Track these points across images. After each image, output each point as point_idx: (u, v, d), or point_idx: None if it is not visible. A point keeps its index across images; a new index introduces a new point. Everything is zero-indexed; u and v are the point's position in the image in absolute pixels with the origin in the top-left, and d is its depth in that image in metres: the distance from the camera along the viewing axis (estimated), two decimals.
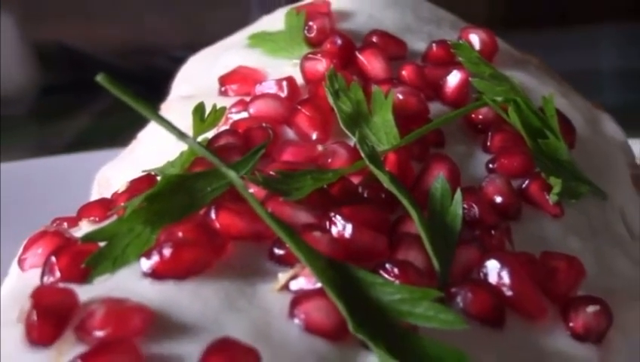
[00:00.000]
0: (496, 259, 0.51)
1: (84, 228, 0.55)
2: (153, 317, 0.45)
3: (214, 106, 0.61)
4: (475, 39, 0.70)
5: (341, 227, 0.50)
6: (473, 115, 0.64)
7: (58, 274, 0.49)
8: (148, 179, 0.57)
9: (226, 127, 0.62)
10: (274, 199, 0.51)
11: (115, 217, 0.52)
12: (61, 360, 0.43)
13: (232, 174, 0.50)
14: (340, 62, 0.65)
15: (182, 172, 0.56)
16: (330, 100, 0.61)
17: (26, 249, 0.54)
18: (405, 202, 0.52)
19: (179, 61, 0.81)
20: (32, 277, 0.51)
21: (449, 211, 0.53)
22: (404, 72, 0.66)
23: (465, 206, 0.54)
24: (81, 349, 0.43)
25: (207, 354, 0.42)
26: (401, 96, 0.62)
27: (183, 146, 0.57)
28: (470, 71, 0.65)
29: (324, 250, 0.48)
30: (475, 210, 0.55)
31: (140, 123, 0.73)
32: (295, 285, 0.48)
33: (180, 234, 0.48)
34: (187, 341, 0.44)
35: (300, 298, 0.46)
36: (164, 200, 0.51)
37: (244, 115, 0.64)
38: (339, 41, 0.67)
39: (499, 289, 0.50)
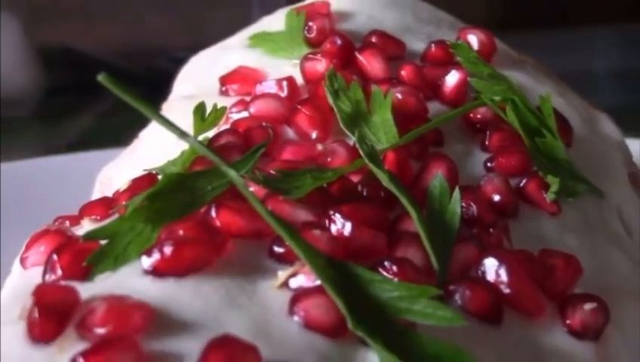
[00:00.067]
0: (495, 256, 0.51)
1: (86, 226, 0.55)
2: (154, 314, 0.45)
3: (215, 106, 0.61)
4: (473, 39, 0.70)
5: (340, 225, 0.50)
6: (471, 115, 0.64)
7: (60, 271, 0.49)
8: (149, 177, 0.57)
9: (227, 126, 0.62)
10: (274, 197, 0.51)
11: (116, 216, 0.52)
12: (62, 356, 0.43)
13: (232, 173, 0.50)
14: (339, 63, 0.65)
15: (183, 171, 0.56)
16: (330, 100, 0.61)
17: (28, 247, 0.54)
18: (404, 200, 0.52)
19: (180, 62, 0.81)
20: (34, 275, 0.51)
21: (447, 209, 0.53)
22: (403, 72, 0.66)
23: (463, 204, 0.54)
24: (82, 346, 0.43)
25: (208, 351, 0.42)
26: (400, 96, 0.62)
27: (184, 145, 0.57)
28: (468, 71, 0.65)
29: (323, 248, 0.47)
30: (474, 208, 0.55)
31: (142, 123, 0.73)
32: (295, 282, 0.48)
33: (181, 232, 0.48)
34: (187, 338, 0.44)
35: (299, 295, 0.46)
36: (165, 198, 0.51)
37: (245, 114, 0.63)
38: (338, 42, 0.67)
39: (497, 287, 0.50)
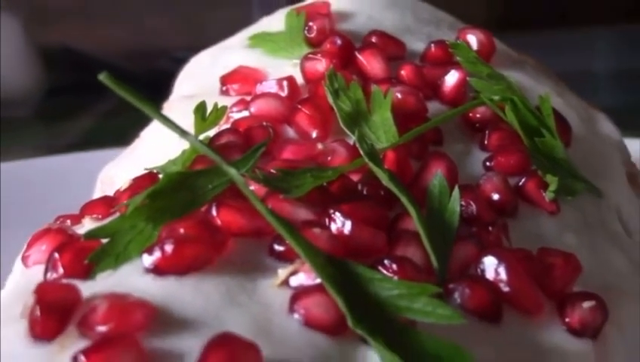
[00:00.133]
0: (494, 255, 0.51)
1: (87, 225, 0.55)
2: (155, 312, 0.45)
3: (216, 105, 0.61)
4: (472, 40, 0.70)
5: (340, 224, 0.50)
6: (471, 114, 0.64)
7: (61, 270, 0.49)
8: (150, 176, 0.57)
9: (227, 125, 0.62)
10: (274, 196, 0.51)
11: (117, 214, 0.52)
12: (64, 354, 0.43)
13: (232, 172, 0.50)
14: (339, 62, 0.65)
15: (183, 170, 0.56)
16: (330, 99, 0.60)
17: (29, 246, 0.54)
18: (404, 199, 0.52)
19: (180, 62, 0.81)
20: (36, 274, 0.51)
21: (447, 208, 0.53)
22: (403, 72, 0.66)
23: (462, 203, 0.54)
24: (83, 344, 0.43)
25: (208, 349, 0.42)
26: (399, 96, 0.62)
27: (185, 144, 0.57)
28: (468, 70, 0.65)
29: (323, 247, 0.47)
30: (473, 207, 0.55)
31: (143, 123, 0.73)
32: (295, 281, 0.47)
33: (182, 230, 0.48)
34: (188, 336, 0.44)
35: (299, 293, 0.46)
36: (165, 197, 0.50)
37: (245, 113, 0.63)
38: (338, 42, 0.67)
39: (496, 285, 0.50)
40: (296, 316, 0.46)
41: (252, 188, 0.50)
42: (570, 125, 0.66)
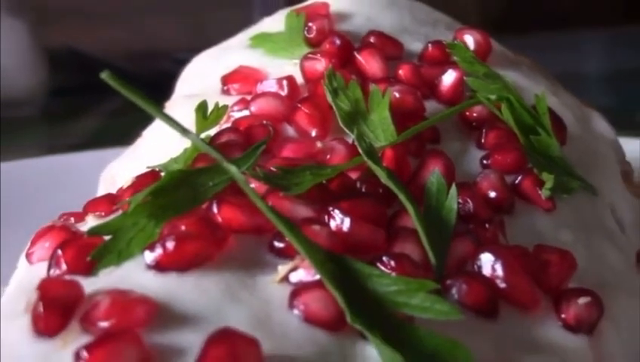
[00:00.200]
0: (490, 251, 0.50)
1: (90, 222, 0.54)
2: (156, 308, 0.45)
3: (217, 104, 0.61)
4: (469, 40, 0.70)
5: (339, 221, 0.50)
6: (468, 113, 0.64)
7: (64, 266, 0.49)
8: (152, 174, 0.56)
9: (228, 124, 0.62)
10: (274, 194, 0.51)
11: (120, 212, 0.52)
12: (66, 349, 0.43)
13: (233, 169, 0.50)
14: (338, 62, 0.65)
15: (185, 168, 0.56)
16: (329, 98, 0.60)
17: (33, 243, 0.54)
18: (402, 197, 0.51)
19: (182, 63, 0.81)
20: (40, 270, 0.51)
21: (444, 205, 0.53)
22: (400, 71, 0.65)
23: (460, 200, 0.54)
24: (85, 339, 0.43)
25: (209, 344, 0.42)
26: (397, 95, 0.62)
27: (186, 143, 0.57)
28: (465, 70, 0.65)
29: (323, 243, 0.47)
30: (470, 204, 0.55)
31: (146, 123, 0.73)
32: (295, 277, 0.47)
33: (183, 227, 0.48)
34: (189, 331, 0.44)
35: (299, 289, 0.46)
36: (167, 194, 0.50)
37: (246, 112, 0.63)
38: (337, 42, 0.67)
39: (493, 281, 0.50)
40: (295, 311, 0.46)
41: (252, 185, 0.50)
42: (566, 124, 0.66)
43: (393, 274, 0.47)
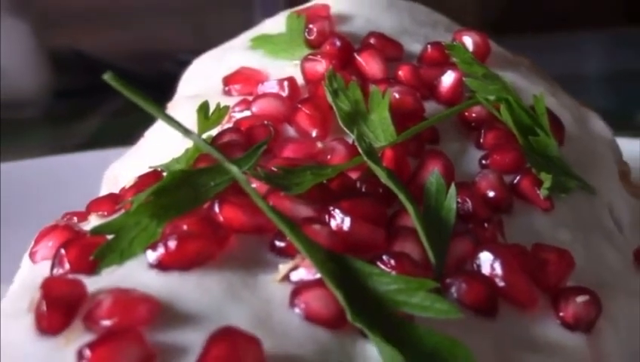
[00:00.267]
0: (489, 250, 0.50)
1: (93, 222, 0.54)
2: (159, 306, 0.44)
3: (218, 105, 0.60)
4: (468, 41, 0.70)
5: (340, 220, 0.49)
6: (467, 113, 0.64)
7: (67, 265, 0.49)
8: (154, 174, 0.56)
9: (230, 125, 0.62)
10: (275, 193, 0.51)
11: (122, 211, 0.52)
12: (69, 348, 0.43)
13: (234, 169, 0.50)
14: (338, 63, 0.65)
15: (187, 168, 0.56)
16: (330, 99, 0.60)
17: (37, 242, 0.54)
18: (402, 196, 0.51)
19: (184, 65, 0.81)
20: (43, 269, 0.51)
21: (444, 205, 0.53)
22: (400, 72, 0.65)
23: (459, 200, 0.54)
24: (88, 338, 0.43)
25: (211, 343, 0.42)
26: (397, 95, 0.61)
27: (188, 143, 0.57)
28: (464, 71, 0.65)
29: (323, 243, 0.47)
30: (469, 204, 0.54)
31: (148, 123, 0.73)
32: (295, 276, 0.47)
33: (185, 227, 0.48)
34: (191, 329, 0.44)
35: (300, 288, 0.46)
36: (169, 194, 0.50)
37: (247, 113, 0.63)
38: (338, 43, 0.67)
39: (492, 280, 0.50)
40: (296, 310, 0.46)
41: (254, 185, 0.50)
42: (564, 124, 0.65)
43: (393, 273, 0.47)
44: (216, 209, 0.49)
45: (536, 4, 2.09)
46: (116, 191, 0.59)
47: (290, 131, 0.61)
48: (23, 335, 0.45)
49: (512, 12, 2.04)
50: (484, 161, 0.60)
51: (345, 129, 0.58)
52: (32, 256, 0.54)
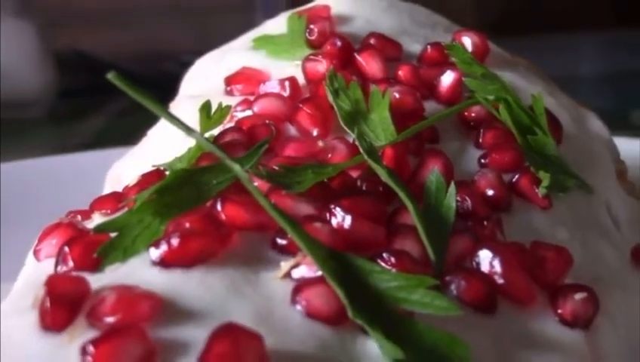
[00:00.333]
0: (488, 248, 0.50)
1: (97, 220, 0.54)
2: (161, 303, 0.44)
3: (220, 105, 0.60)
4: (467, 41, 0.69)
5: (341, 218, 0.49)
6: (466, 113, 0.64)
7: (71, 263, 0.49)
8: (157, 173, 0.56)
9: (231, 124, 0.62)
10: (277, 192, 0.51)
11: (125, 209, 0.52)
12: (73, 344, 0.43)
13: (237, 168, 0.50)
14: (339, 63, 0.65)
15: (189, 166, 0.56)
16: (330, 99, 0.60)
17: (41, 240, 0.54)
18: (402, 195, 0.51)
19: (187, 65, 0.81)
20: (47, 267, 0.51)
21: (443, 203, 0.53)
22: (400, 72, 0.65)
23: (458, 198, 0.54)
24: (92, 334, 0.43)
25: (213, 339, 0.41)
26: (397, 95, 0.61)
27: (190, 142, 0.57)
28: (463, 71, 0.65)
29: (324, 240, 0.47)
30: (468, 202, 0.54)
31: (151, 123, 0.73)
32: (297, 273, 0.47)
33: (188, 224, 0.48)
34: (194, 326, 0.44)
35: (301, 285, 0.46)
36: (172, 193, 0.50)
37: (249, 112, 0.63)
38: (338, 43, 0.67)
39: (491, 277, 0.49)
40: (298, 307, 0.45)
41: (255, 183, 0.50)
42: (562, 124, 0.65)
43: (393, 270, 0.47)
44: (219, 207, 0.49)
45: (534, 6, 2.09)
46: (119, 189, 0.59)
47: (292, 130, 0.61)
48: (27, 331, 0.45)
49: (510, 14, 2.04)
50: (483, 160, 0.60)
51: (345, 128, 0.58)
52: (36, 253, 0.54)
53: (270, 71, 0.69)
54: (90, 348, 0.41)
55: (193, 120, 0.58)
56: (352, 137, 0.57)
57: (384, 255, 0.48)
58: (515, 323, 0.49)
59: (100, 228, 0.49)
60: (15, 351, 0.44)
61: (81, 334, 0.43)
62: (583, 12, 2.01)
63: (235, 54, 0.74)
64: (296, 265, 0.47)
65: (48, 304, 0.45)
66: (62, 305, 0.45)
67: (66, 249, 0.49)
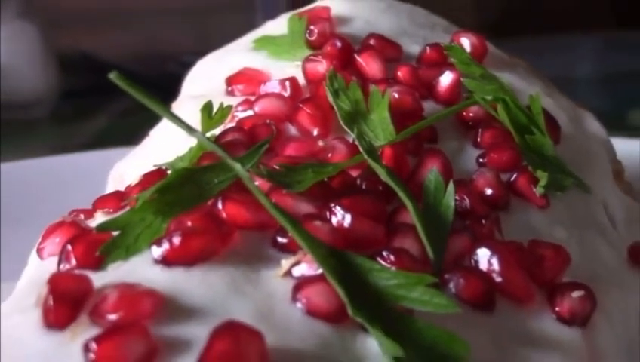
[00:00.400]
0: (487, 247, 0.50)
1: (99, 218, 0.54)
2: (163, 301, 0.44)
3: (221, 105, 0.60)
4: (466, 42, 0.69)
5: (341, 217, 0.49)
6: (464, 113, 0.64)
7: (74, 261, 0.49)
8: (159, 172, 0.56)
9: (233, 124, 0.62)
10: (277, 191, 0.51)
11: (127, 208, 0.52)
12: (76, 341, 0.43)
13: (238, 167, 0.50)
14: (339, 64, 0.65)
15: (191, 165, 0.56)
16: (330, 99, 0.60)
17: (44, 238, 0.54)
18: (401, 194, 0.51)
19: (188, 66, 0.81)
20: (50, 265, 0.51)
21: (442, 202, 0.53)
22: (399, 73, 0.65)
23: (457, 197, 0.54)
24: (94, 332, 0.43)
25: (214, 336, 0.41)
26: (396, 95, 0.61)
27: (192, 142, 0.57)
28: (461, 71, 0.65)
29: (324, 239, 0.47)
30: (467, 201, 0.54)
31: (153, 123, 0.73)
32: (297, 271, 0.47)
33: (189, 223, 0.48)
34: (195, 323, 0.44)
35: (302, 283, 0.46)
36: (174, 191, 0.50)
37: (250, 112, 0.63)
38: (338, 44, 0.67)
39: (489, 276, 0.49)
40: (298, 305, 0.45)
41: (256, 183, 0.50)
42: (559, 124, 0.65)
43: (393, 268, 0.47)
44: (220, 206, 0.49)
45: (533, 7, 2.09)
46: (121, 188, 0.59)
47: (292, 130, 0.61)
48: (30, 329, 0.45)
49: (510, 15, 2.04)
50: (481, 160, 0.60)
51: (345, 128, 0.58)
52: (39, 252, 0.54)
53: (271, 71, 0.69)
54: (93, 345, 0.41)
55: (195, 120, 0.58)
56: (351, 137, 0.57)
57: (384, 253, 0.48)
58: (513, 320, 0.49)
59: (103, 227, 0.49)
60: (18, 348, 0.44)
61: (83, 331, 0.43)
62: (582, 13, 2.01)
63: (236, 55, 0.74)
64: (296, 264, 0.47)
65: (51, 301, 0.45)
66: (65, 303, 0.45)
67: (69, 247, 0.49)
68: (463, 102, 0.63)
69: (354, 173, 0.55)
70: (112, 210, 0.54)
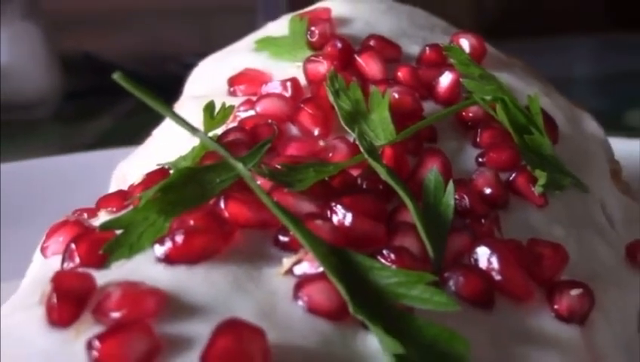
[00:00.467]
0: (486, 245, 0.50)
1: (103, 217, 0.54)
2: (166, 299, 0.44)
3: (223, 105, 0.60)
4: (465, 43, 0.69)
5: (342, 216, 0.49)
6: (464, 113, 0.64)
7: (77, 259, 0.49)
8: (162, 172, 0.56)
9: (235, 124, 0.62)
10: (279, 190, 0.51)
11: (131, 207, 0.51)
12: (79, 339, 0.43)
13: (240, 166, 0.50)
14: (340, 64, 0.65)
15: (193, 165, 0.56)
16: (331, 99, 0.60)
17: (48, 237, 0.54)
18: (401, 193, 0.51)
19: (190, 67, 0.81)
20: (54, 263, 0.51)
21: (442, 201, 0.53)
22: (399, 73, 0.65)
23: (456, 196, 0.54)
24: (98, 329, 0.43)
25: (216, 334, 0.41)
26: (396, 96, 0.61)
27: (194, 142, 0.57)
28: (461, 72, 0.65)
29: (325, 237, 0.47)
30: (466, 200, 0.54)
31: (156, 123, 0.73)
32: (299, 269, 0.47)
33: (192, 222, 0.48)
34: (198, 321, 0.44)
35: (303, 281, 0.46)
36: (176, 191, 0.50)
37: (251, 113, 0.63)
38: (339, 45, 0.67)
39: (488, 274, 0.49)
40: (300, 302, 0.45)
41: (258, 182, 0.50)
42: (557, 124, 0.65)
43: (393, 266, 0.47)
44: (222, 205, 0.49)
45: (532, 9, 2.09)
46: (125, 188, 0.59)
47: (294, 130, 0.61)
48: (33, 327, 0.45)
49: (508, 16, 2.04)
50: (480, 159, 0.60)
51: (346, 128, 0.58)
52: (43, 250, 0.54)
53: (272, 72, 0.69)
54: (96, 343, 0.41)
55: (197, 120, 0.58)
56: (352, 137, 0.57)
57: (384, 251, 0.48)
58: (513, 318, 0.49)
59: (106, 226, 0.49)
60: (22, 346, 0.44)
61: (87, 329, 0.43)
62: (580, 14, 2.01)
63: (237, 56, 0.74)
64: (298, 262, 0.47)
65: (55, 299, 0.45)
66: (68, 301, 0.44)
67: (73, 246, 0.49)
68: (463, 103, 0.63)
69: (355, 173, 0.55)
70: (115, 209, 0.54)
